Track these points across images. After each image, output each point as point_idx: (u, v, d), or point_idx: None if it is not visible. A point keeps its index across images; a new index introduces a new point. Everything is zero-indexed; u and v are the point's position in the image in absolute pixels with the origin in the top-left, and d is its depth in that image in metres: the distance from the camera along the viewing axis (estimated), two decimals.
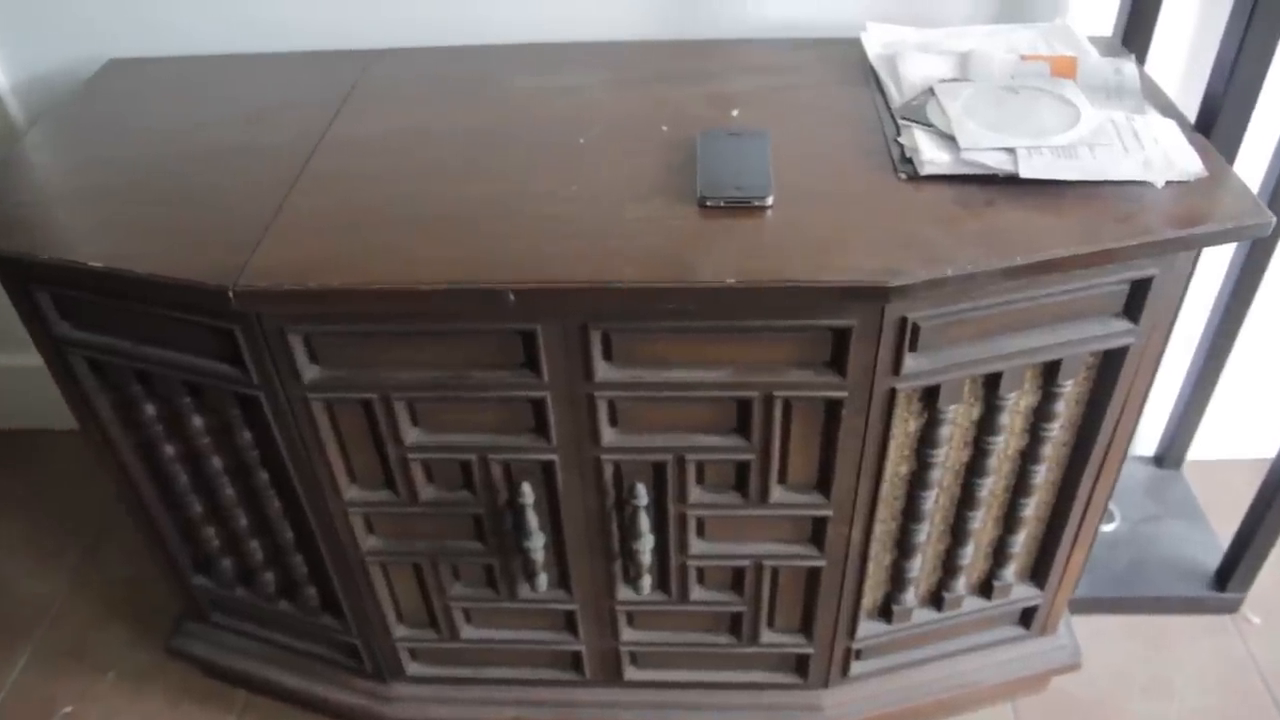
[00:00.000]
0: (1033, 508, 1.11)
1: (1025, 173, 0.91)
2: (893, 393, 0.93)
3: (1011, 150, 0.93)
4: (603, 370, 0.92)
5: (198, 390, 1.01)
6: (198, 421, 1.03)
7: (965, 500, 1.08)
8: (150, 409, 1.05)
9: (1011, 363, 0.95)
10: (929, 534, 1.10)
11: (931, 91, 1.02)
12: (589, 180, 0.95)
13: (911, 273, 0.82)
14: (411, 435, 0.99)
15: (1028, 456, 1.06)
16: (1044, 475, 1.08)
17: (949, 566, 1.15)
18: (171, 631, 1.34)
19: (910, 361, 0.91)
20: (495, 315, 0.87)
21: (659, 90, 1.10)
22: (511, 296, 0.83)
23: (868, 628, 1.17)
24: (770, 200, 0.90)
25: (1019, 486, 1.09)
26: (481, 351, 0.91)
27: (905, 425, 0.98)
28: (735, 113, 1.05)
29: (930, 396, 0.96)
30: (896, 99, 1.03)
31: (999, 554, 1.16)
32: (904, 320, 0.87)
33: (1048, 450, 1.05)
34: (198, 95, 1.16)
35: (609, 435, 0.97)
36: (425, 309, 0.87)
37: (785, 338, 0.89)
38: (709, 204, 0.90)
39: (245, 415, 1.00)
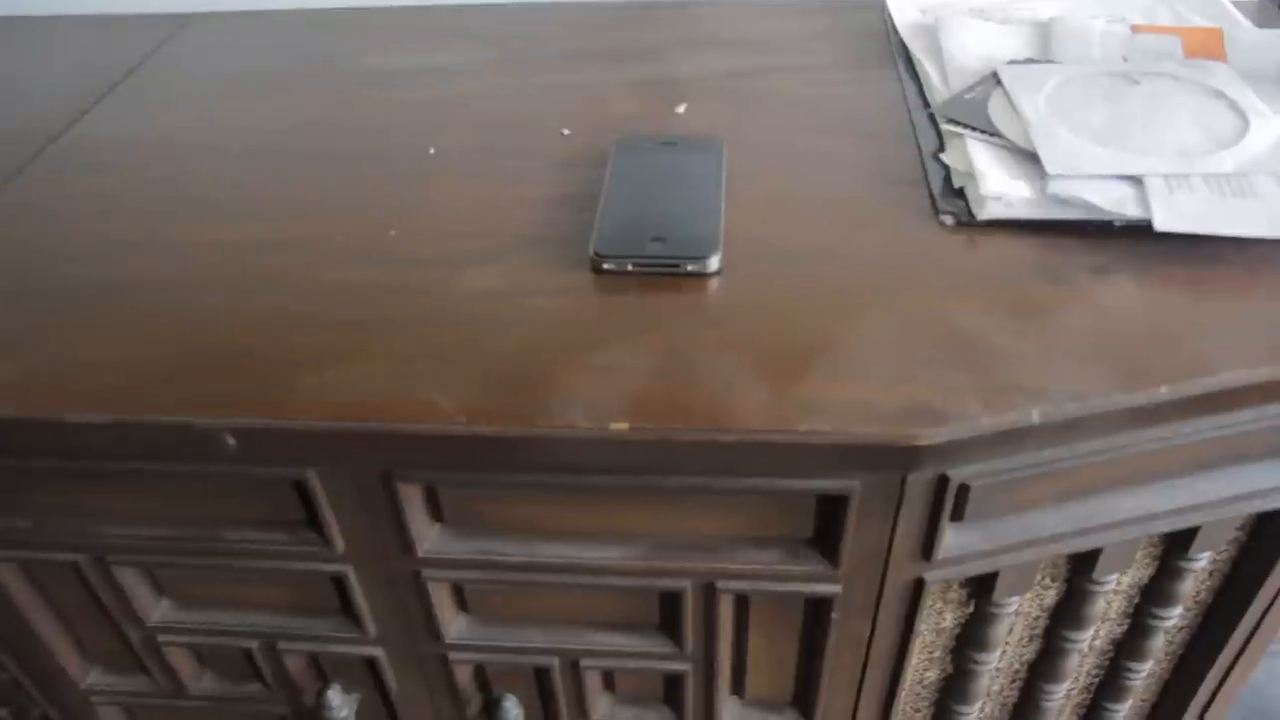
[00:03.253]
0: (1125, 717, 0.71)
1: (1165, 222, 0.50)
2: (919, 584, 0.53)
3: (1138, 180, 0.53)
4: (431, 538, 0.53)
5: None
6: None
7: (1025, 709, 0.69)
8: None
9: (1119, 534, 0.55)
10: None
11: (995, 79, 0.62)
12: (420, 220, 0.56)
13: (959, 416, 0.42)
14: (158, 610, 0.61)
15: (1125, 650, 0.66)
16: (1147, 672, 0.68)
17: None
18: None
19: (952, 537, 0.51)
20: (218, 459, 0.48)
21: (570, 73, 0.71)
22: (230, 440, 0.45)
23: None
24: (716, 264, 0.50)
25: (1107, 688, 0.69)
26: (236, 502, 0.53)
27: (937, 619, 0.59)
28: (681, 109, 0.66)
29: (982, 583, 0.57)
30: (939, 90, 0.64)
31: None
32: (943, 480, 0.48)
33: (1157, 642, 0.66)
34: None
35: (457, 626, 0.58)
36: (84, 445, 0.49)
37: (735, 501, 0.50)
38: (607, 268, 0.51)
39: None
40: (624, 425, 0.42)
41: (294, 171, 0.62)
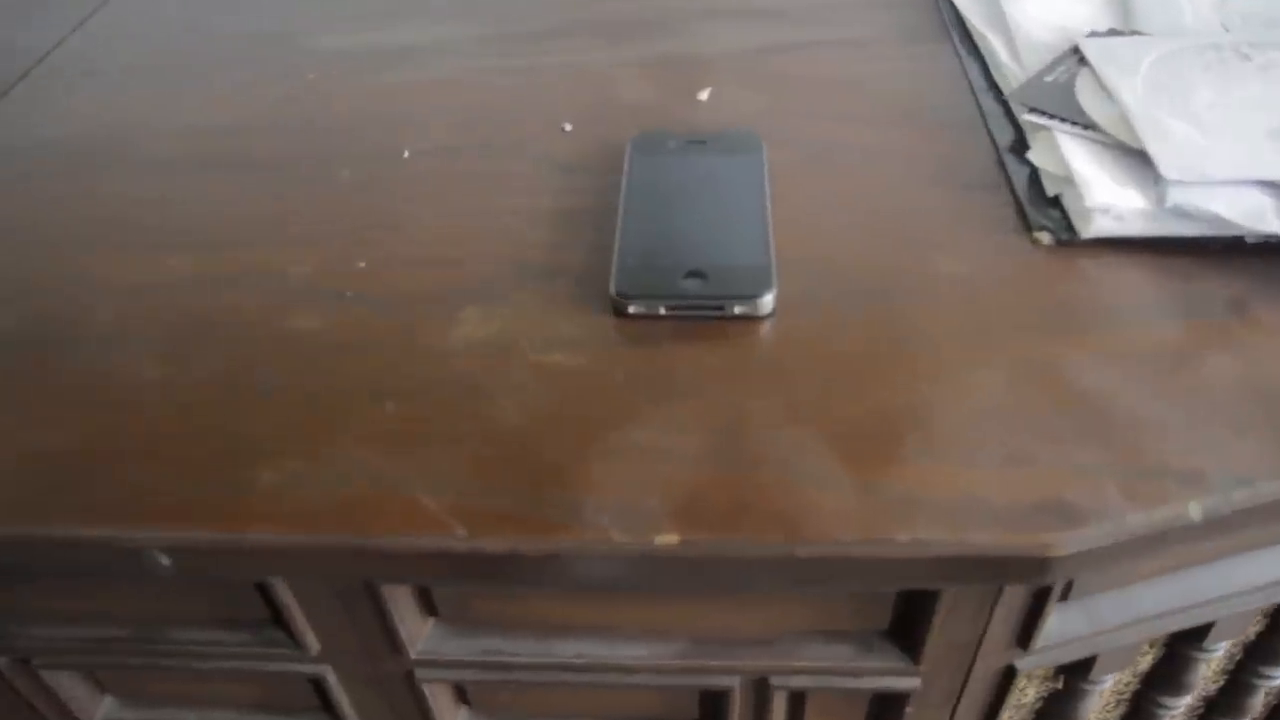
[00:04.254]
0: None
1: None
2: (1009, 672, 0.45)
3: (1276, 186, 0.43)
4: (425, 637, 0.43)
5: None
6: None
7: None
8: None
9: (1234, 605, 0.46)
10: None
11: (1077, 56, 0.52)
12: (395, 245, 0.45)
13: (1098, 512, 0.33)
14: (101, 708, 0.51)
15: (1219, 707, 0.59)
16: None
17: None
18: None
19: (1054, 623, 0.42)
20: (149, 576, 0.38)
21: (571, 52, 0.60)
22: (164, 560, 0.35)
23: None
24: (770, 304, 0.40)
25: None
26: (185, 601, 0.43)
27: (1019, 695, 0.51)
28: (704, 95, 0.55)
29: (1077, 664, 0.48)
30: (1010, 69, 0.53)
31: None
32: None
33: (1257, 700, 0.58)
34: None
35: None
36: None
37: (795, 597, 0.40)
38: (634, 311, 0.41)
39: None
40: (672, 538, 0.32)
41: (237, 184, 0.50)
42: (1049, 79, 0.51)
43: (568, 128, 0.53)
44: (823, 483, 0.34)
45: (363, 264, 0.44)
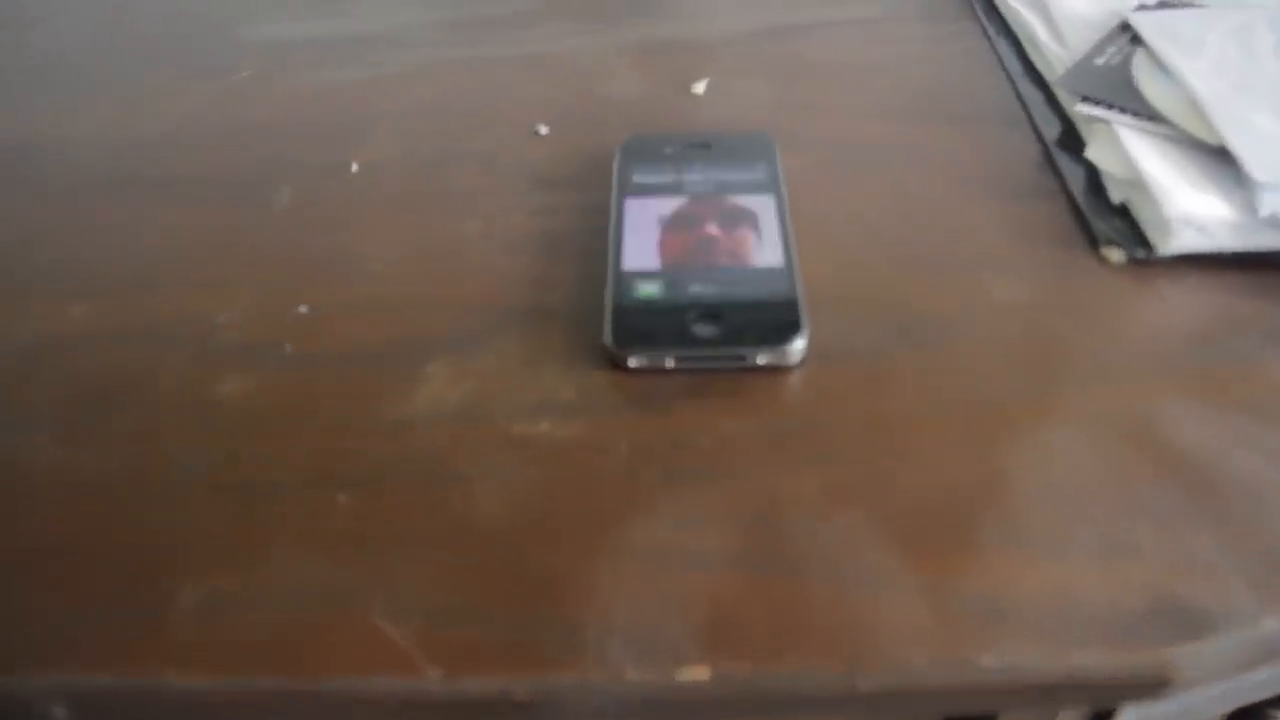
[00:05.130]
0: None
1: None
2: None
3: None
4: None
5: None
6: None
7: None
8: None
9: None
10: None
11: (1129, 34, 0.45)
12: (342, 283, 0.37)
13: (1224, 615, 0.26)
14: None
15: None
16: None
17: None
18: None
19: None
20: None
21: (544, 40, 0.52)
22: (61, 713, 0.28)
23: None
24: (801, 350, 0.33)
25: None
26: None
27: None
28: (700, 87, 0.48)
29: None
30: (1052, 50, 0.46)
31: None
32: None
33: None
34: None
35: None
36: None
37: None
38: (635, 365, 0.33)
39: None
40: (701, 673, 0.26)
41: (155, 211, 0.43)
42: (1099, 61, 0.44)
43: (543, 130, 0.45)
44: (882, 586, 0.27)
45: (304, 309, 0.37)
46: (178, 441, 0.33)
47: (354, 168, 0.44)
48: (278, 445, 0.32)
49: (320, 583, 0.28)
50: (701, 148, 0.41)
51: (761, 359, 0.32)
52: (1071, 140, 0.42)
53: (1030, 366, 0.33)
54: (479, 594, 0.28)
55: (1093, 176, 0.40)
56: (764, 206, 0.38)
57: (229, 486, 0.31)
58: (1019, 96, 0.45)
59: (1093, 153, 0.40)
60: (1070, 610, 0.27)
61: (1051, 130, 0.43)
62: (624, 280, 0.35)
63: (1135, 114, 0.40)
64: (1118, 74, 0.43)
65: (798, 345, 0.33)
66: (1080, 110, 0.42)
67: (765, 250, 0.36)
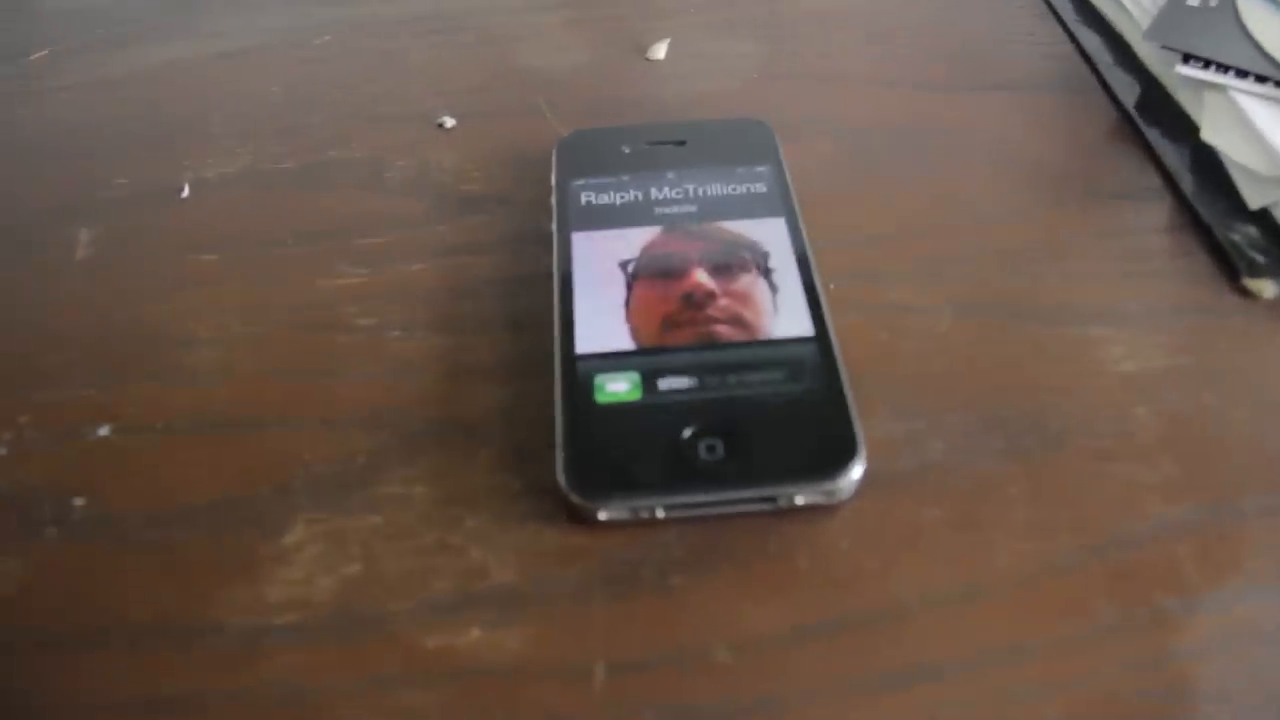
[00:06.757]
0: None
1: None
2: None
3: None
4: None
5: None
6: None
7: None
8: None
9: None
10: None
11: None
12: (159, 392, 0.24)
13: None
14: None
15: None
16: None
17: None
18: None
19: None
20: None
21: None
22: None
23: None
24: (857, 478, 0.22)
25: None
26: None
27: None
28: (660, 51, 0.35)
29: None
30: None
31: None
32: None
33: None
34: None
35: None
36: None
37: None
38: (606, 518, 0.21)
39: None
40: None
41: None
42: (1193, 3, 0.32)
43: (448, 123, 0.32)
44: None
45: (105, 430, 0.24)
46: None
47: (184, 191, 0.31)
48: (44, 671, 0.20)
49: None
50: (674, 145, 0.29)
51: (801, 498, 0.21)
52: (1162, 109, 0.31)
53: (1186, 483, 0.22)
54: None
55: (1204, 163, 0.29)
56: (774, 235, 0.26)
57: None
58: (1081, 51, 0.34)
59: (1211, 135, 0.29)
60: None
61: (1130, 97, 0.32)
62: (579, 376, 0.23)
63: (1259, 78, 0.29)
64: (1222, 18, 0.31)
65: (854, 474, 0.21)
66: (1183, 72, 0.30)
67: (785, 308, 0.24)
